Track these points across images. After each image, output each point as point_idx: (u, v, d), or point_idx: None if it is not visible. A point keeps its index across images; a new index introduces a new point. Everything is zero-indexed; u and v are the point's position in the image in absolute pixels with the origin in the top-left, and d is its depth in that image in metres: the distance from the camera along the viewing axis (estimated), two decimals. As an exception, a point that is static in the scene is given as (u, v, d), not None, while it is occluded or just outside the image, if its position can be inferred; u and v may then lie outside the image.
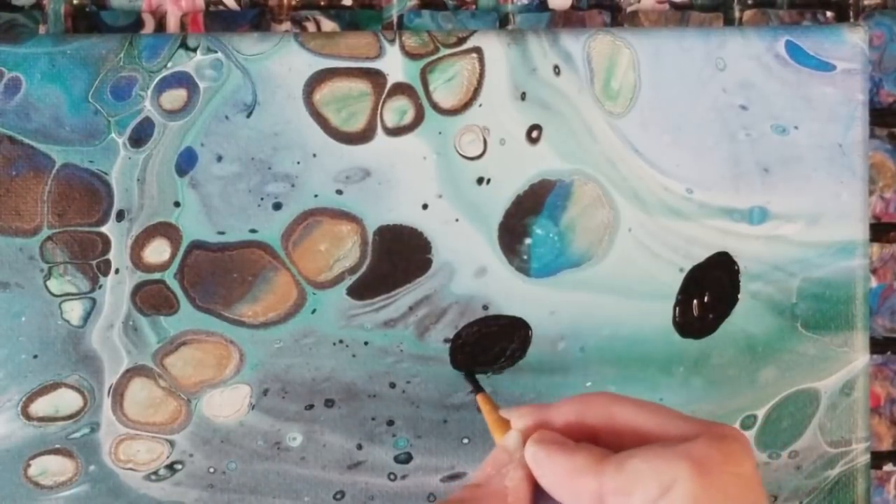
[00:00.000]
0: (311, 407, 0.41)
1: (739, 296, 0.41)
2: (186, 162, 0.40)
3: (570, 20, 0.43)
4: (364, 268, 0.40)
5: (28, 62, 0.39)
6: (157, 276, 0.40)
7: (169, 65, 0.40)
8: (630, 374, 0.41)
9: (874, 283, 0.43)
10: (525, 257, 0.41)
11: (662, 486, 0.28)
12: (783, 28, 0.41)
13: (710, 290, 0.41)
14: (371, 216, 0.40)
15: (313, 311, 0.40)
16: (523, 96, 0.40)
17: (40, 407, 0.40)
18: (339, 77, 0.40)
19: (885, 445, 0.44)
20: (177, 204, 0.40)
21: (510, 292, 0.41)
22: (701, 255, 0.41)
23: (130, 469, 0.41)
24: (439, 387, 0.41)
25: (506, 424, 0.34)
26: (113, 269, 0.40)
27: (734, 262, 0.41)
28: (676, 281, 0.41)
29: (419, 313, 0.41)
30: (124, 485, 0.41)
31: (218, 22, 0.42)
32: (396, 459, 0.41)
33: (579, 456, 0.30)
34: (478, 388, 0.39)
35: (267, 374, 0.41)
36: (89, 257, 0.40)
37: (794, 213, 0.41)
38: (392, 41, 0.40)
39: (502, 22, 0.43)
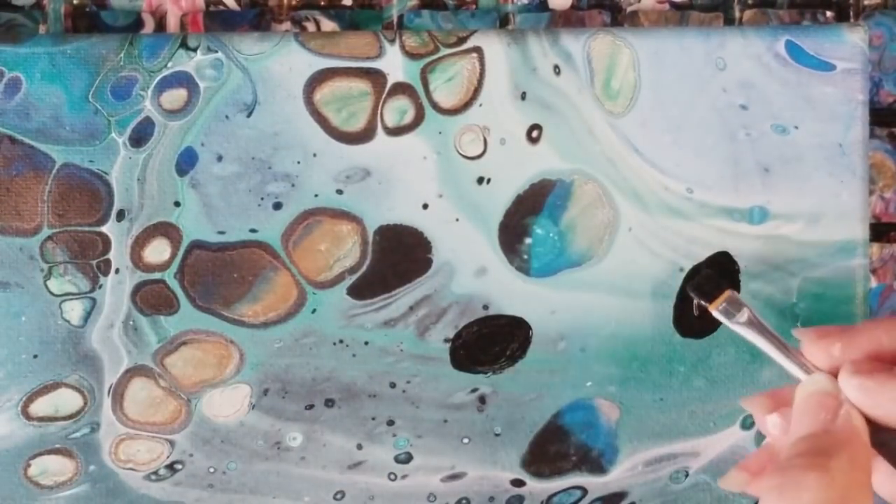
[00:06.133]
0: (311, 407, 0.41)
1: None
2: (187, 162, 0.40)
3: (570, 20, 0.43)
4: (364, 267, 0.40)
5: (28, 62, 0.39)
6: (157, 275, 0.40)
7: (169, 65, 0.40)
8: (630, 374, 0.41)
9: (874, 283, 0.43)
10: (525, 257, 0.41)
11: None
12: (783, 28, 0.41)
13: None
14: (371, 216, 0.40)
15: (313, 311, 0.40)
16: (523, 96, 0.40)
17: (40, 407, 0.40)
18: (340, 77, 0.40)
19: (886, 445, 0.44)
20: (177, 204, 0.40)
21: (510, 292, 0.41)
22: (701, 254, 0.41)
23: (130, 469, 0.41)
24: (439, 387, 0.41)
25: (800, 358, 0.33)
26: (113, 269, 0.40)
27: (734, 262, 0.41)
28: (676, 281, 0.41)
29: (419, 313, 0.41)
30: (124, 485, 0.41)
31: (218, 22, 0.42)
32: (396, 459, 0.41)
33: None
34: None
35: (267, 373, 0.41)
36: (89, 257, 0.40)
37: (794, 212, 0.41)
38: (392, 41, 0.40)
39: (502, 22, 0.43)
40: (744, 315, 0.36)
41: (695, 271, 0.41)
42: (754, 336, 0.35)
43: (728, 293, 0.36)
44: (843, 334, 0.32)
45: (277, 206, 0.40)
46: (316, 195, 0.40)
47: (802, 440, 0.30)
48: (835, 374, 0.31)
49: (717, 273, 0.40)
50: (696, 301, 0.39)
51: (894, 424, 0.30)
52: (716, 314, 0.36)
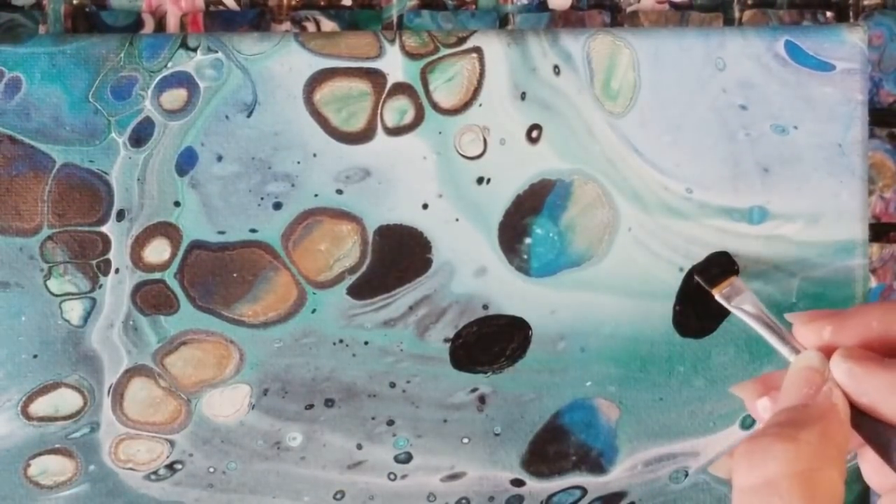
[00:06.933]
0: (311, 407, 0.41)
1: (739, 295, 0.41)
2: (187, 162, 0.40)
3: (570, 20, 0.43)
4: (364, 267, 0.40)
5: (28, 62, 0.39)
6: (157, 275, 0.40)
7: (169, 64, 0.40)
8: (630, 374, 0.41)
9: (874, 283, 0.43)
10: (525, 257, 0.41)
11: None
12: (783, 28, 0.41)
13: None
14: (371, 216, 0.40)
15: (313, 311, 0.40)
16: (523, 96, 0.40)
17: (40, 407, 0.40)
18: (340, 77, 0.40)
19: (885, 445, 0.44)
20: (177, 203, 0.40)
21: (510, 292, 0.41)
22: (701, 254, 0.41)
23: (130, 469, 0.41)
24: (439, 387, 0.41)
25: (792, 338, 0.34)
26: (113, 269, 0.40)
27: (734, 262, 0.41)
28: (676, 280, 0.41)
29: (419, 313, 0.41)
30: (124, 484, 0.41)
31: (218, 22, 0.42)
32: (396, 459, 0.41)
33: None
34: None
35: (267, 373, 0.41)
36: (89, 257, 0.40)
37: (794, 212, 0.41)
38: (392, 41, 0.40)
39: (502, 22, 0.43)
40: (745, 300, 0.37)
41: (694, 270, 0.41)
42: (753, 321, 0.37)
43: (732, 279, 0.38)
44: (834, 318, 0.32)
45: (277, 206, 0.40)
46: (316, 195, 0.40)
47: (781, 412, 0.30)
48: (827, 356, 0.32)
49: (726, 261, 0.40)
50: (696, 280, 0.40)
51: (878, 413, 0.30)
52: (718, 297, 0.38)
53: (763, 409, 0.33)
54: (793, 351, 0.34)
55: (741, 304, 0.38)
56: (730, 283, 0.39)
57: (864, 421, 0.30)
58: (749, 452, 0.29)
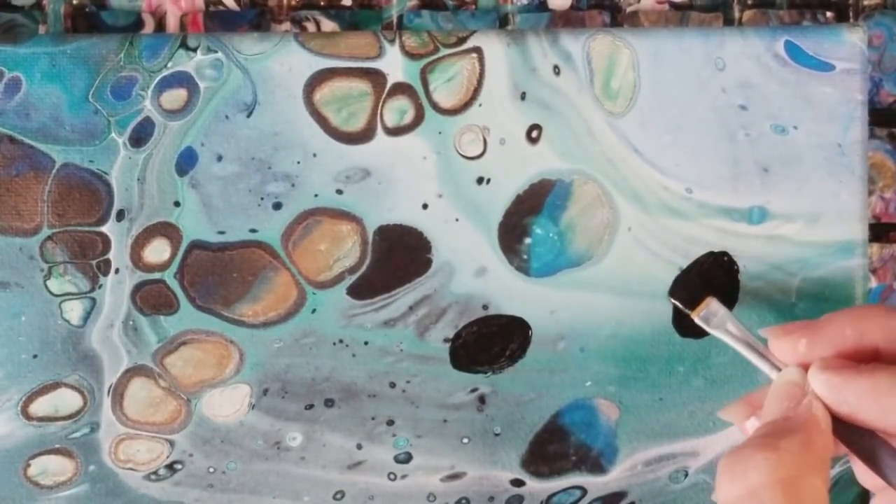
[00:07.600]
0: (311, 407, 0.41)
1: (739, 295, 0.41)
2: (186, 162, 0.40)
3: (569, 20, 0.43)
4: (364, 267, 0.40)
5: (28, 62, 0.39)
6: (157, 275, 0.40)
7: (169, 65, 0.40)
8: (630, 374, 0.41)
9: (874, 283, 0.43)
10: (525, 257, 0.41)
11: None
12: (782, 28, 0.41)
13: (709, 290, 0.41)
14: (371, 216, 0.40)
15: (313, 311, 0.40)
16: (523, 96, 0.40)
17: (40, 407, 0.40)
18: (340, 77, 0.40)
19: (885, 445, 0.44)
20: (177, 204, 0.40)
21: (510, 292, 0.41)
22: (701, 254, 0.41)
23: (130, 469, 0.41)
24: (439, 387, 0.41)
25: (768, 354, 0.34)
26: (113, 269, 0.40)
27: (734, 262, 0.41)
28: (676, 281, 0.41)
29: (419, 313, 0.41)
30: (124, 484, 0.41)
31: (218, 22, 0.42)
32: (396, 459, 0.41)
33: (881, 376, 0.30)
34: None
35: (267, 373, 0.41)
36: (89, 257, 0.40)
37: (794, 212, 0.41)
38: (392, 41, 0.40)
39: (502, 22, 0.43)
40: (725, 321, 0.37)
41: (680, 277, 0.41)
42: (733, 341, 0.37)
43: (709, 300, 0.38)
44: (808, 329, 0.32)
45: (277, 206, 0.40)
46: (316, 195, 0.40)
47: (763, 426, 0.31)
48: (806, 368, 0.32)
49: (700, 280, 0.40)
50: (672, 303, 0.40)
51: (858, 420, 0.30)
52: (697, 320, 0.38)
53: (752, 428, 0.34)
54: (774, 368, 0.34)
55: (720, 324, 0.38)
56: (706, 305, 0.38)
57: (846, 430, 0.31)
58: (730, 465, 0.29)
